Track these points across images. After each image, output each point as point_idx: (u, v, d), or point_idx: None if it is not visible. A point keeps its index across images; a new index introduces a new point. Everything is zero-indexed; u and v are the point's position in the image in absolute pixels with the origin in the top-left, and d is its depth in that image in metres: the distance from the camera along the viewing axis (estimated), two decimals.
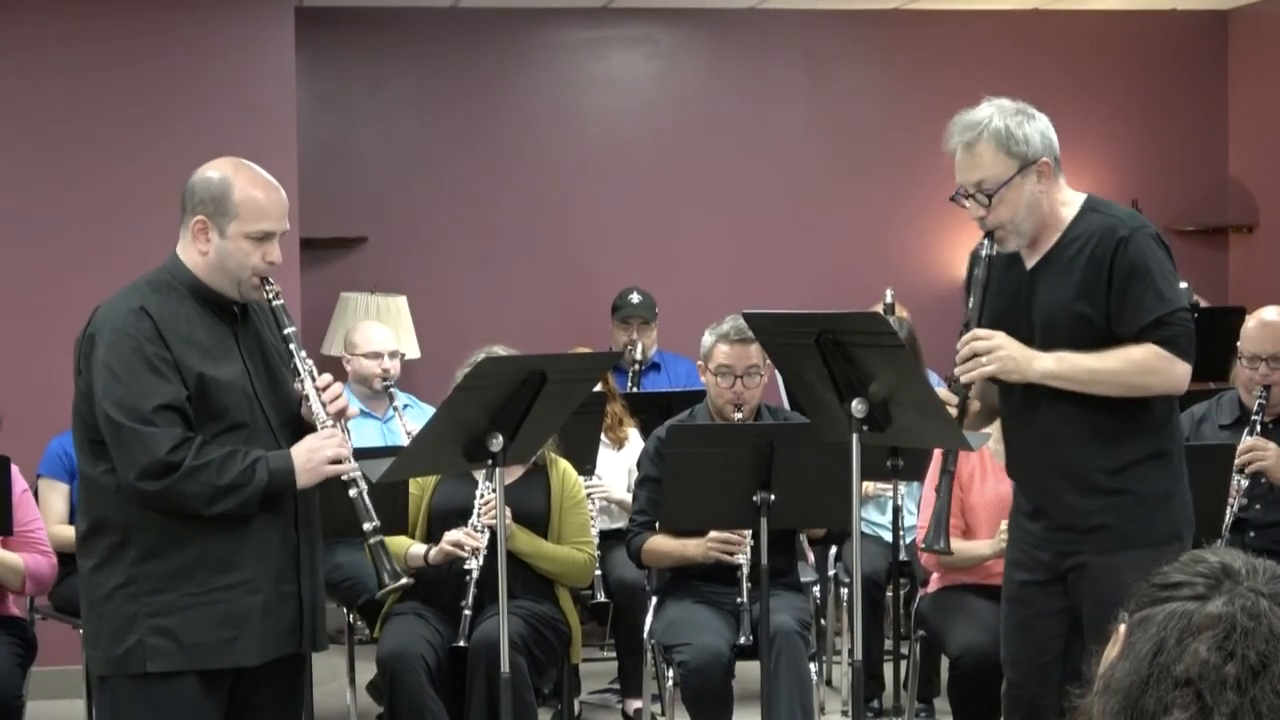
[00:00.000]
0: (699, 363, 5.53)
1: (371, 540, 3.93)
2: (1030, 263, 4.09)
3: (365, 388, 6.78)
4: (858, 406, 4.03)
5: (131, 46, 7.36)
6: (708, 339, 5.44)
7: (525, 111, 8.69)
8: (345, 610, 6.35)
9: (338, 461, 3.87)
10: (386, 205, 8.57)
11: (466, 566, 5.15)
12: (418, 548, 5.31)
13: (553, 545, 5.35)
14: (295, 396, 3.99)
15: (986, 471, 5.57)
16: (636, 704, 6.26)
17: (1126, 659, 1.75)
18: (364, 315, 8.07)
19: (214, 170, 3.93)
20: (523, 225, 8.68)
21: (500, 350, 5.42)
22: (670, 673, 5.34)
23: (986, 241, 4.06)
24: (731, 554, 5.27)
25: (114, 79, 7.33)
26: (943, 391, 4.08)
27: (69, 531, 5.76)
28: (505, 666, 4.25)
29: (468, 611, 5.12)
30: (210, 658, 3.79)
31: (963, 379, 4.02)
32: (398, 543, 5.27)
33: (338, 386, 3.97)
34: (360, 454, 4.07)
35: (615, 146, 8.76)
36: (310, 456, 3.84)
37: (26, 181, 7.28)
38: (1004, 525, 5.35)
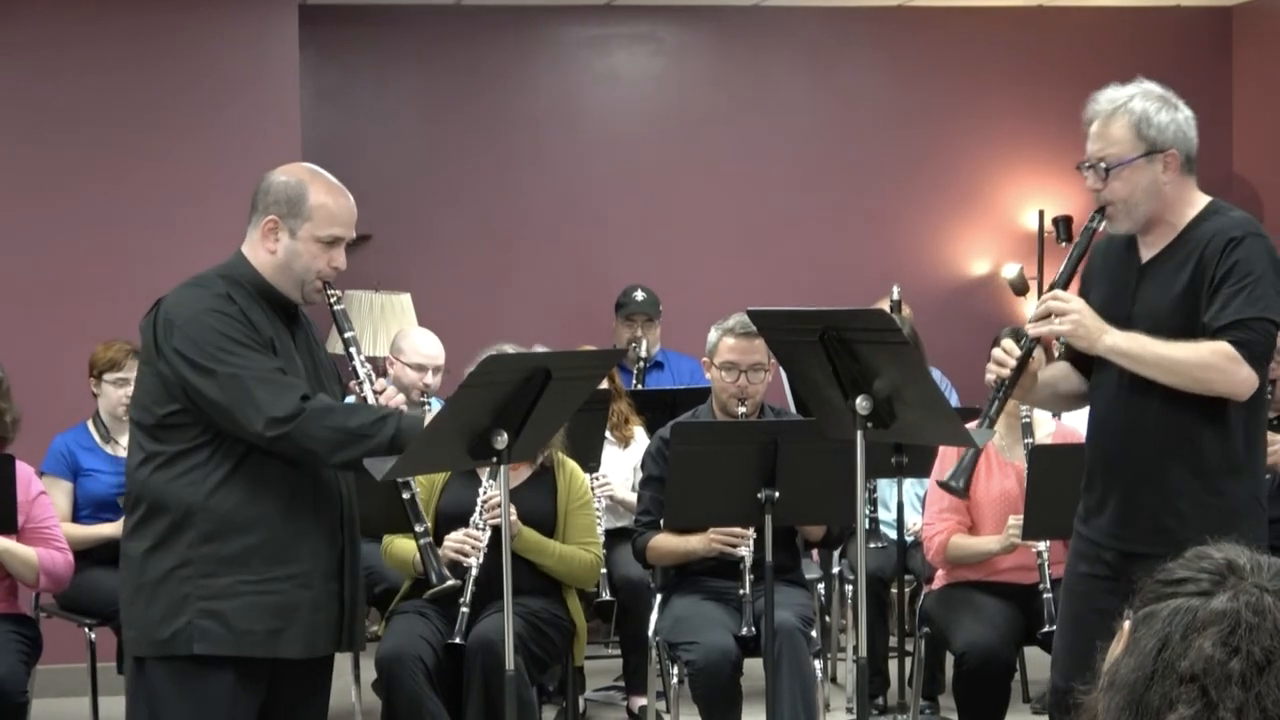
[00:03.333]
0: (704, 359, 5.53)
1: (422, 542, 4.01)
2: (1146, 257, 4.01)
3: (402, 394, 6.75)
4: (862, 403, 4.03)
5: (135, 45, 7.36)
6: (713, 334, 5.45)
7: (529, 109, 8.69)
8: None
9: None
10: (391, 203, 8.56)
11: (466, 564, 5.16)
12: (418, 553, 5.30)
13: (558, 544, 5.34)
14: (339, 401, 4.04)
15: (992, 468, 5.57)
16: (641, 701, 6.26)
17: (1131, 655, 1.75)
18: (368, 313, 8.07)
19: (289, 174, 4.00)
20: (527, 223, 8.68)
21: (509, 348, 5.43)
22: (675, 670, 5.34)
23: (1097, 215, 4.00)
24: (734, 546, 5.27)
25: (118, 78, 7.33)
26: (1007, 343, 4.02)
27: (72, 529, 5.78)
28: (510, 665, 4.25)
29: (465, 609, 5.12)
30: (256, 646, 3.82)
31: (1032, 332, 3.96)
32: (403, 546, 5.28)
33: (392, 389, 4.06)
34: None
35: (619, 144, 8.75)
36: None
37: (31, 182, 7.28)
38: (1011, 521, 5.36)
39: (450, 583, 4.07)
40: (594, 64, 8.80)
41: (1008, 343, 4.02)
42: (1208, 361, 3.82)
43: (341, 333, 4.03)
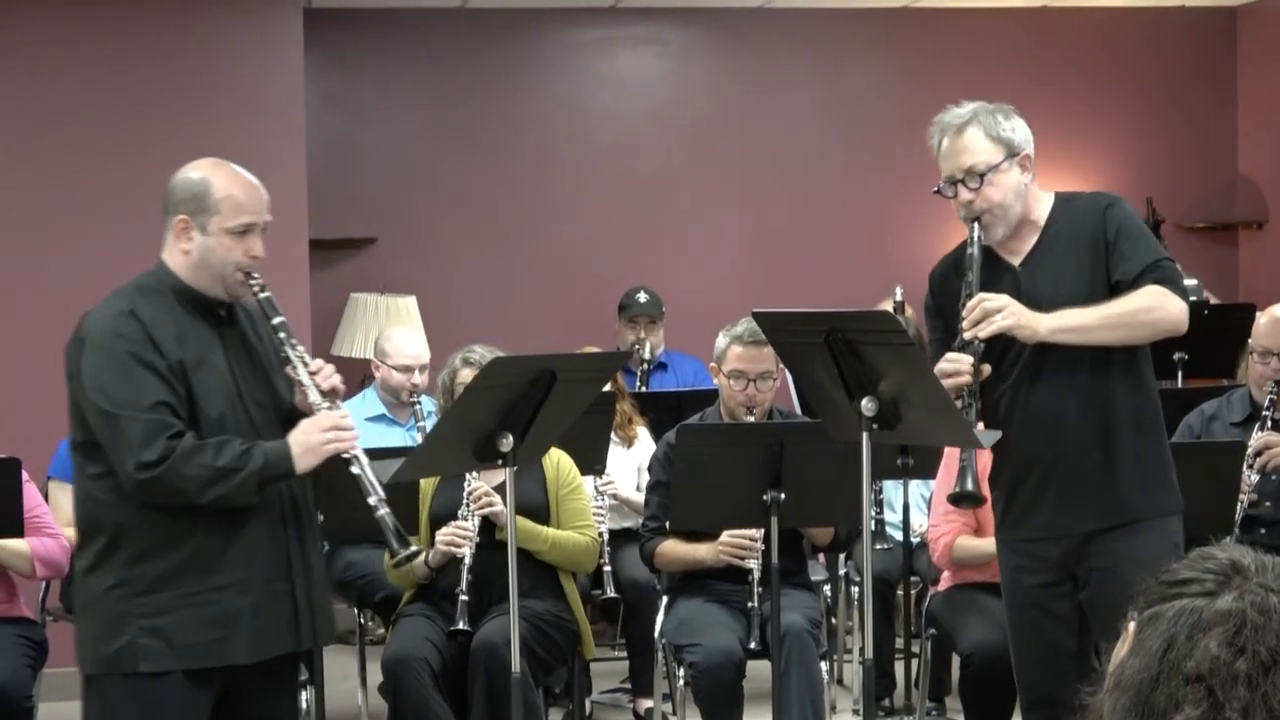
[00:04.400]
0: (712, 364, 5.52)
1: (379, 513, 3.92)
2: (1016, 260, 4.18)
3: (391, 396, 6.77)
4: (867, 405, 4.03)
5: (140, 47, 7.37)
6: (722, 340, 5.43)
7: (534, 111, 8.70)
8: (356, 610, 6.35)
9: (336, 440, 3.85)
10: (395, 206, 8.58)
11: (459, 554, 5.17)
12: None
13: (550, 530, 5.34)
14: (286, 396, 4.01)
15: None
16: (647, 703, 6.26)
17: (1137, 656, 1.75)
18: (374, 316, 8.08)
19: (193, 170, 3.98)
20: (531, 225, 8.69)
21: (479, 350, 5.43)
22: (681, 672, 5.34)
23: (975, 225, 4.13)
24: (743, 558, 5.26)
25: (122, 80, 7.34)
26: (953, 354, 4.09)
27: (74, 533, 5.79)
28: (516, 666, 4.26)
29: (464, 597, 5.14)
30: (200, 657, 3.81)
31: (980, 334, 4.03)
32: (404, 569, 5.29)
33: (329, 368, 3.98)
34: (373, 455, 4.07)
35: (623, 146, 8.76)
36: (305, 439, 3.84)
37: (36, 182, 7.29)
38: None
39: (412, 549, 3.98)
40: (599, 66, 8.80)
41: (954, 354, 4.08)
42: (1148, 304, 4.02)
43: (270, 319, 3.95)
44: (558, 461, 5.41)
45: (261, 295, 3.94)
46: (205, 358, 3.86)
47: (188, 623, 3.79)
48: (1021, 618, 4.28)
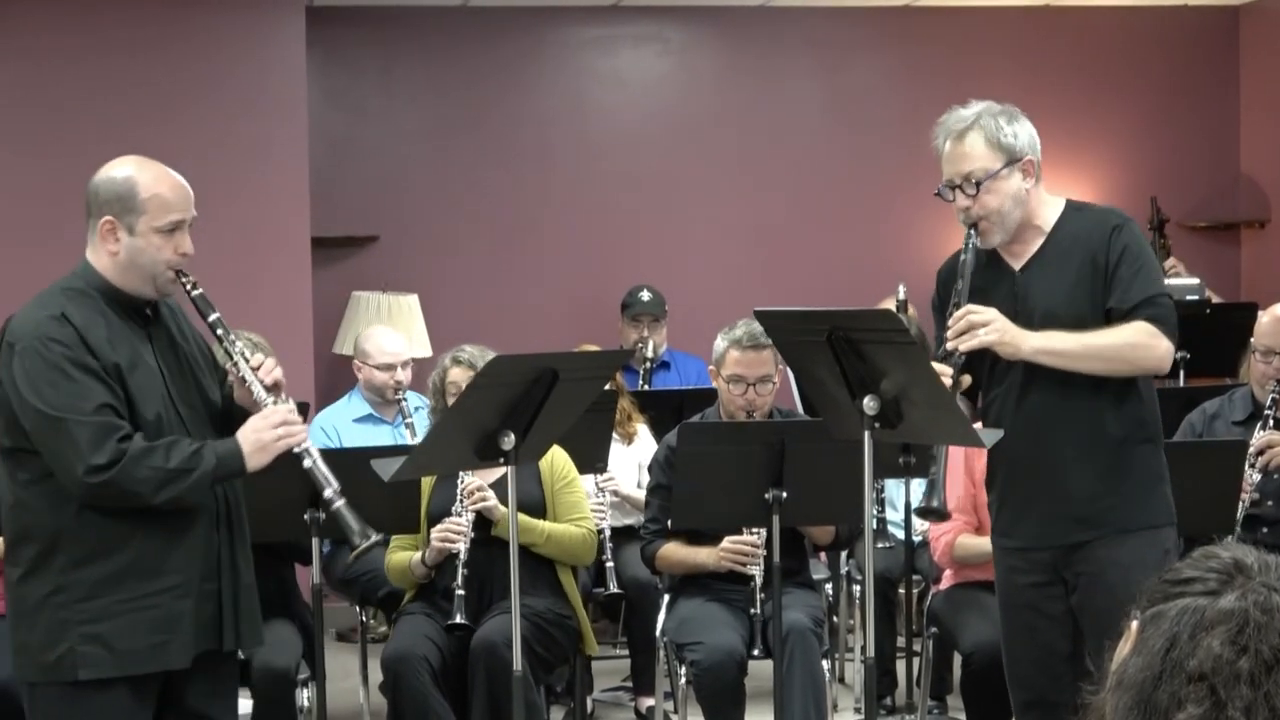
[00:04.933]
0: (711, 367, 5.50)
1: (336, 504, 3.90)
2: (1017, 264, 4.15)
3: (376, 395, 6.77)
4: (869, 404, 4.03)
5: (142, 44, 7.37)
6: (720, 344, 5.40)
7: (536, 109, 8.70)
8: (358, 609, 6.36)
9: (286, 424, 3.81)
10: (397, 204, 8.58)
11: (454, 549, 5.18)
12: (415, 556, 5.32)
13: (546, 523, 5.32)
14: (213, 396, 3.97)
15: None
16: (649, 702, 6.26)
17: (1139, 655, 1.75)
18: (376, 314, 8.08)
19: (116, 169, 3.91)
20: (533, 223, 8.69)
21: (469, 349, 5.43)
22: (683, 671, 5.34)
23: (972, 231, 4.12)
24: (744, 564, 5.26)
25: (124, 77, 7.35)
26: (939, 367, 4.06)
27: None
28: (518, 665, 4.26)
29: (460, 591, 5.14)
30: (142, 663, 3.76)
31: (961, 348, 4.03)
32: (400, 559, 5.35)
33: (270, 361, 3.93)
34: (374, 453, 4.07)
35: (625, 144, 8.76)
36: (255, 436, 3.80)
37: (36, 180, 7.29)
38: None
39: (375, 538, 3.94)
40: (600, 65, 8.80)
41: (939, 366, 4.05)
42: (1134, 341, 3.98)
43: (205, 317, 3.89)
44: (552, 456, 5.38)
45: (194, 293, 3.87)
46: (138, 360, 3.80)
47: (129, 628, 3.74)
48: (1015, 618, 4.28)
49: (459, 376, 5.32)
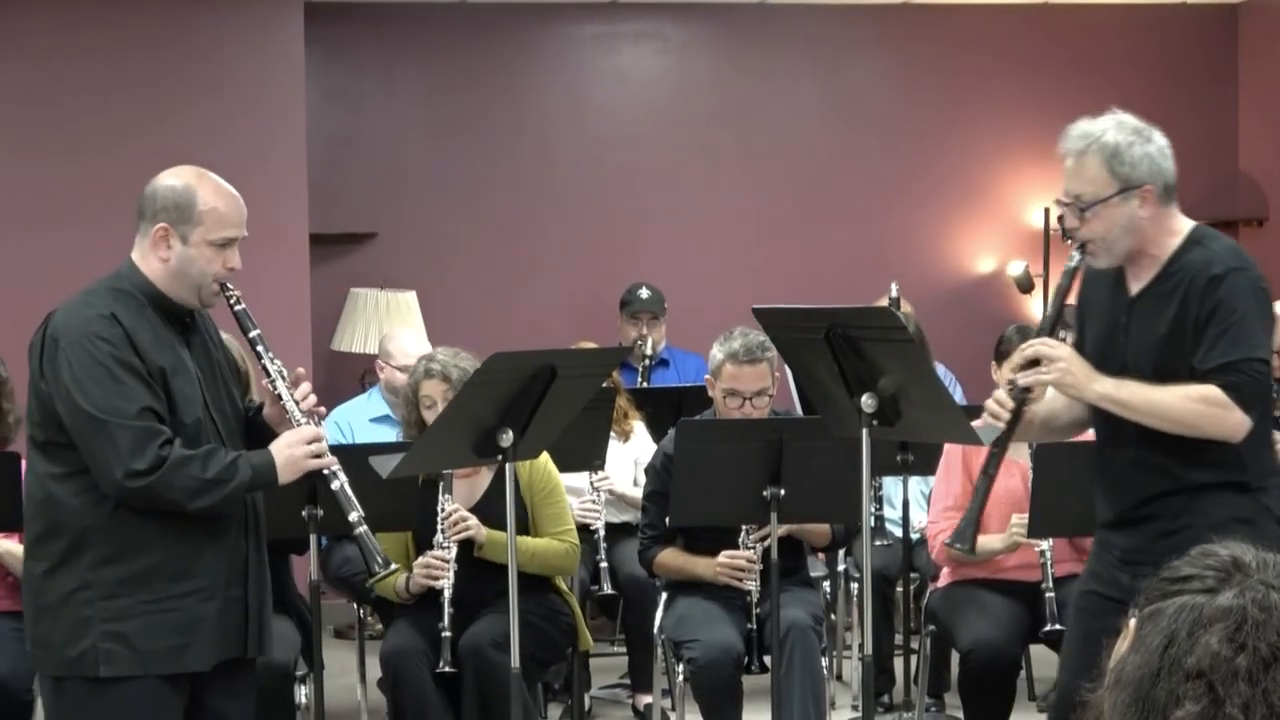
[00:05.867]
0: (708, 377, 5.44)
1: (358, 530, 3.95)
2: (1134, 290, 3.95)
3: (395, 396, 6.77)
4: (867, 401, 4.03)
5: (141, 41, 7.37)
6: (717, 353, 5.32)
7: (535, 107, 8.69)
8: (355, 606, 6.35)
9: (318, 455, 3.89)
10: (395, 201, 8.58)
11: (437, 587, 5.04)
12: (400, 580, 5.18)
13: (529, 540, 5.16)
14: (239, 403, 4.02)
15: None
16: (647, 699, 6.26)
17: (1137, 652, 1.75)
18: (373, 311, 8.08)
19: (176, 178, 3.92)
20: (532, 220, 8.68)
21: (442, 355, 5.27)
22: (680, 668, 5.34)
23: (1076, 253, 3.95)
24: (740, 580, 5.26)
25: (122, 74, 7.34)
26: (1000, 394, 3.95)
27: None
28: (516, 661, 4.25)
29: (446, 634, 5.00)
30: (162, 664, 3.79)
31: (1021, 382, 3.90)
32: (387, 583, 5.18)
33: (306, 385, 3.98)
34: (372, 450, 4.08)
35: (624, 141, 8.76)
36: (289, 452, 3.85)
37: (35, 177, 7.29)
38: (1015, 520, 5.36)
39: (393, 568, 4.03)
40: (599, 62, 8.80)
41: (1000, 394, 3.96)
42: (1198, 409, 3.76)
43: (246, 333, 3.95)
44: (530, 465, 5.19)
45: (238, 308, 3.93)
46: (179, 365, 3.84)
47: (151, 629, 3.77)
48: (1079, 621, 4.09)
49: (433, 390, 5.21)
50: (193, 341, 3.93)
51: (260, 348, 3.93)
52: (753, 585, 5.23)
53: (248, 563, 3.93)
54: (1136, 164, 3.90)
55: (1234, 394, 3.75)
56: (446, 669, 4.99)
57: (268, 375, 3.93)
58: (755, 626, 5.23)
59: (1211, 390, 3.75)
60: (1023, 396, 3.92)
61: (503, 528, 5.02)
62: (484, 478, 5.24)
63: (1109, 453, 3.98)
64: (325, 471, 3.92)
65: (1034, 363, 3.89)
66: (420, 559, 5.11)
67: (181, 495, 3.72)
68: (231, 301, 3.91)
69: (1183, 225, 3.96)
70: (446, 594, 5.02)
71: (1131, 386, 3.81)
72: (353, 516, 3.95)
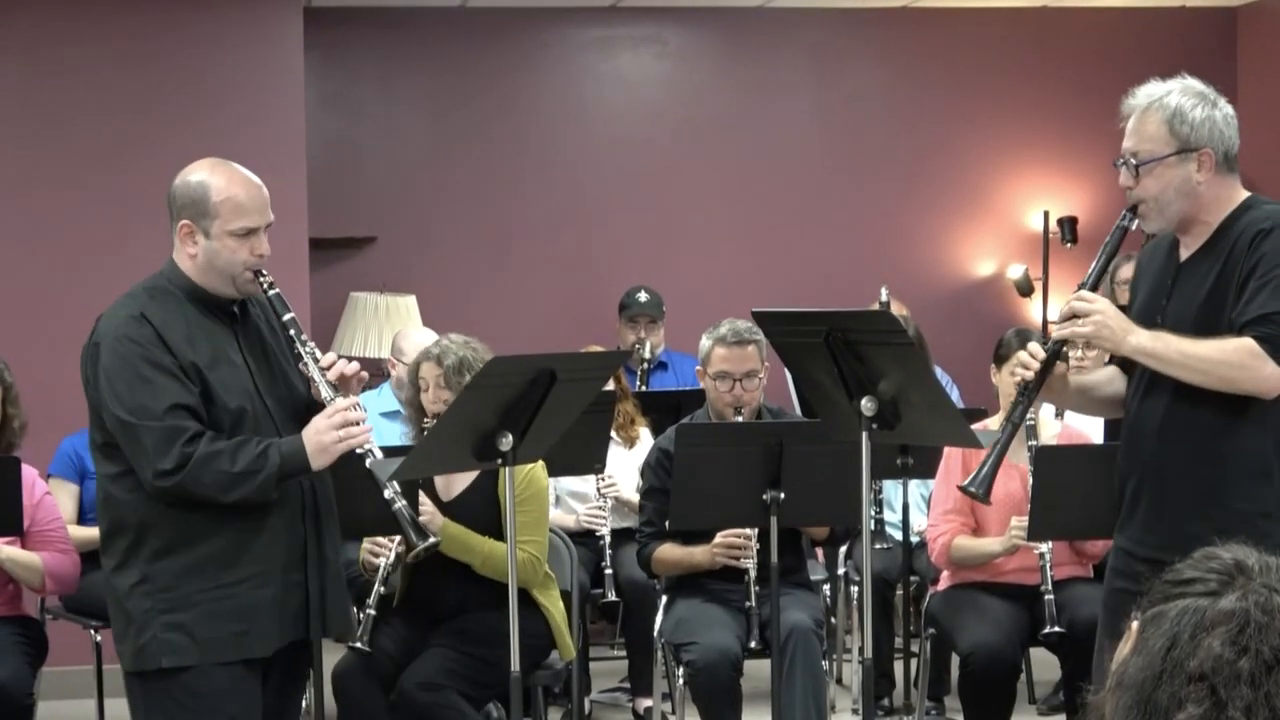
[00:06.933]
0: (698, 367, 5.50)
1: (396, 505, 3.98)
2: (1184, 256, 3.89)
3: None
4: (867, 405, 4.03)
5: (140, 47, 7.36)
6: (705, 342, 5.42)
7: (534, 111, 8.70)
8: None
9: (349, 424, 3.89)
10: (395, 205, 8.58)
11: (376, 563, 5.11)
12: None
13: (487, 542, 5.03)
14: (301, 389, 4.07)
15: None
16: (647, 702, 6.26)
17: (1139, 655, 1.75)
18: (373, 315, 8.07)
19: (192, 174, 4.01)
20: (531, 224, 8.68)
21: (454, 339, 5.33)
22: (680, 671, 5.34)
23: (1128, 213, 3.89)
24: (738, 558, 5.26)
25: (122, 79, 7.34)
26: (1033, 345, 3.92)
27: (78, 531, 5.78)
28: (515, 666, 4.25)
29: (372, 611, 5.05)
30: (222, 651, 3.88)
31: (1056, 334, 3.86)
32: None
33: (331, 356, 4.03)
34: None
35: (623, 145, 8.76)
36: (318, 438, 3.89)
37: (35, 181, 7.29)
38: (1014, 522, 5.36)
39: (432, 540, 4.07)
40: (599, 66, 8.80)
41: (1034, 345, 3.92)
42: (1231, 360, 3.68)
43: (280, 317, 4.01)
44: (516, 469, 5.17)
45: (271, 293, 3.98)
46: (221, 356, 3.91)
47: (209, 617, 3.86)
48: (1107, 619, 4.01)
49: (428, 373, 5.28)
50: (242, 331, 4.00)
51: (293, 331, 3.99)
52: (750, 564, 5.23)
53: (306, 546, 3.98)
54: (1197, 126, 3.86)
55: (1268, 345, 3.67)
56: (360, 645, 4.98)
57: (301, 359, 3.99)
58: (753, 603, 5.22)
59: (1246, 342, 3.68)
60: (1056, 348, 3.88)
61: (475, 527, 5.05)
62: (466, 478, 5.21)
63: (1134, 440, 3.89)
64: (358, 450, 3.94)
65: (1073, 318, 3.83)
66: (367, 539, 5.15)
67: (213, 490, 3.80)
68: (265, 286, 3.96)
69: (1239, 194, 3.90)
70: (380, 572, 5.08)
71: (1166, 338, 3.75)
72: (388, 492, 3.97)
